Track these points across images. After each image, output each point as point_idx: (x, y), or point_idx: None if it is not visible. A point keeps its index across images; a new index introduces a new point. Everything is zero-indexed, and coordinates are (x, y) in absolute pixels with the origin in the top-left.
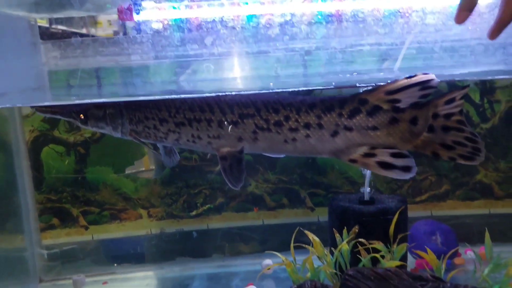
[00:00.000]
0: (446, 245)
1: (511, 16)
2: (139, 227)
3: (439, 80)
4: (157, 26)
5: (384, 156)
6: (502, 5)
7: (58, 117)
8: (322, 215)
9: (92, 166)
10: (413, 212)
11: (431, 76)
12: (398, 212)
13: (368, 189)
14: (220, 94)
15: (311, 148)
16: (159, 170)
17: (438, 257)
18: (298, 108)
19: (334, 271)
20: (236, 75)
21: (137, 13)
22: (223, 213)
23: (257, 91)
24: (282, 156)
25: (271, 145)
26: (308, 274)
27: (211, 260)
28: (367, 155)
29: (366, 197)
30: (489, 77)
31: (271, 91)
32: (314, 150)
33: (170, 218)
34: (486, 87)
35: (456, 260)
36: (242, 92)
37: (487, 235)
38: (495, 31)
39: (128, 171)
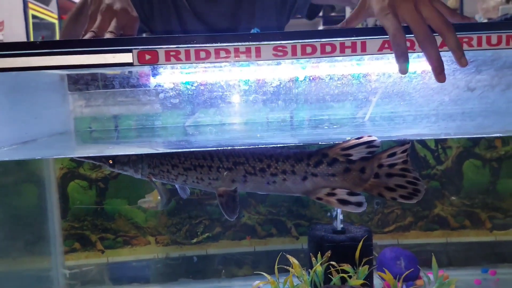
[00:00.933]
0: (408, 268)
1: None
2: (148, 252)
3: (380, 141)
4: (168, 85)
5: (342, 195)
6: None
7: (91, 161)
8: (305, 243)
9: (110, 199)
10: (382, 240)
11: (374, 138)
12: (362, 240)
13: (340, 220)
14: (219, 148)
15: (287, 188)
16: (166, 202)
17: (403, 279)
18: (277, 159)
19: None
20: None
21: (154, 77)
22: (220, 240)
23: (246, 146)
24: (266, 194)
25: (257, 186)
26: None
27: (209, 281)
28: (329, 194)
29: (338, 228)
30: (417, 138)
31: (257, 146)
32: (289, 190)
33: (174, 245)
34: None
35: (417, 282)
36: (236, 147)
37: (433, 259)
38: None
39: (140, 203)
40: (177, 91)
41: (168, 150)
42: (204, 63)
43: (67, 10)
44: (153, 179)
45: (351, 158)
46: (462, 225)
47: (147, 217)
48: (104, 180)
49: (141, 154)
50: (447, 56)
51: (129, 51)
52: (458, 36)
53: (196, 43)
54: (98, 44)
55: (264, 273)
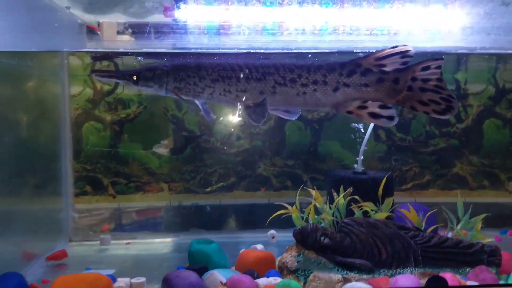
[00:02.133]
0: (427, 223)
1: None
2: (160, 199)
3: (414, 51)
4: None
5: (373, 108)
6: None
7: (114, 79)
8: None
9: (124, 142)
10: (400, 198)
11: (409, 47)
12: (385, 177)
13: (361, 159)
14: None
15: (317, 100)
16: (180, 149)
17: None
18: (308, 68)
19: (332, 218)
20: None
21: (178, 8)
22: (234, 191)
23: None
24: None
25: (286, 98)
26: (310, 221)
27: (221, 232)
28: (360, 107)
29: (359, 169)
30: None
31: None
32: (319, 102)
33: (187, 193)
34: (460, 93)
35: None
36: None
37: (459, 197)
38: None
39: (155, 148)
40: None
41: (197, 51)
42: None
43: None
44: (179, 95)
45: (384, 69)
46: (481, 185)
47: (161, 163)
48: (119, 122)
49: (166, 68)
50: None
51: None
52: None
53: None
54: None
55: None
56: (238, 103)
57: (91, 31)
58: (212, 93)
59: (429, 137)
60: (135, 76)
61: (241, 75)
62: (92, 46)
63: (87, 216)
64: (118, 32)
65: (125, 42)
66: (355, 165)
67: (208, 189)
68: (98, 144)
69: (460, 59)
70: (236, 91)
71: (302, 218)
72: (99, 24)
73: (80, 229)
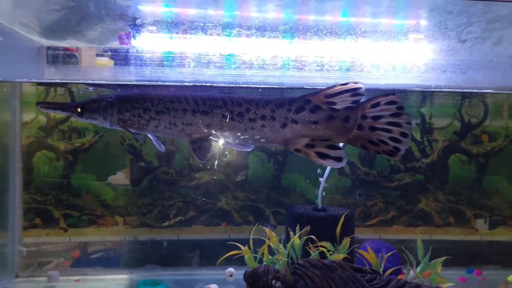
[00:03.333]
0: (390, 262)
1: None
2: (115, 233)
3: (365, 88)
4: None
5: (321, 147)
6: None
7: (59, 111)
8: (284, 233)
9: (78, 173)
10: (364, 234)
11: (360, 84)
12: (343, 216)
13: (322, 194)
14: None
15: (265, 136)
16: (138, 181)
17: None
18: (256, 103)
19: (287, 259)
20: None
21: (134, 39)
22: (193, 225)
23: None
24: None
25: (233, 132)
26: (264, 262)
27: (178, 269)
28: (308, 145)
29: (319, 205)
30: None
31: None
32: (267, 138)
33: (143, 227)
34: (426, 127)
35: (399, 277)
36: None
37: (418, 237)
38: None
39: (110, 180)
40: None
41: (141, 83)
42: None
43: None
44: (124, 126)
45: (334, 106)
46: (447, 222)
47: (116, 195)
48: (73, 152)
49: (111, 99)
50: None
51: None
52: None
53: None
54: None
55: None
56: (184, 137)
57: (69, 55)
58: (157, 126)
59: (394, 172)
60: (79, 108)
61: (187, 108)
62: (62, 72)
63: (35, 251)
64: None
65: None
66: (316, 201)
67: (166, 223)
68: (50, 175)
69: (425, 92)
70: (182, 124)
71: (256, 258)
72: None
73: (28, 264)
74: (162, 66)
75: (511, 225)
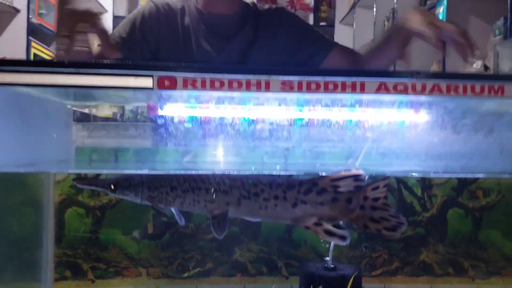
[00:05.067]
0: None
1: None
2: (138, 284)
3: (366, 175)
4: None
5: (328, 226)
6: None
7: (93, 188)
8: (295, 283)
9: (105, 228)
10: (370, 284)
11: (361, 171)
12: (352, 277)
13: (331, 258)
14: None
15: (278, 214)
16: (160, 235)
17: None
18: (270, 184)
19: None
20: (231, 160)
21: (161, 109)
22: (211, 276)
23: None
24: (258, 220)
25: (249, 210)
26: None
27: None
28: (316, 224)
29: (329, 265)
30: (408, 175)
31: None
32: (280, 216)
33: (165, 278)
34: (426, 184)
35: None
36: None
37: None
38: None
39: (134, 234)
40: (179, 127)
41: (166, 172)
42: (217, 91)
43: None
44: (153, 202)
45: (339, 189)
46: (446, 272)
47: (140, 249)
48: (101, 208)
49: (141, 177)
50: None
51: (150, 76)
52: (448, 83)
53: (211, 73)
54: (121, 67)
55: None
56: (207, 212)
57: None
58: (182, 203)
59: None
60: (112, 185)
61: (210, 187)
62: None
63: None
64: None
65: None
66: (326, 258)
67: (185, 275)
68: (80, 230)
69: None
70: (205, 201)
71: None
72: None
73: None
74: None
75: (505, 275)
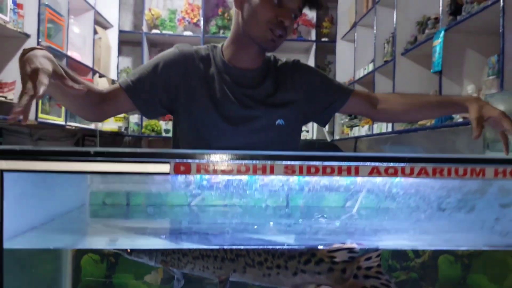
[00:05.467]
0: None
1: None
2: None
3: (359, 248)
4: None
5: None
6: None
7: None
8: None
9: (118, 273)
10: None
11: (354, 245)
12: None
13: None
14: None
15: (280, 281)
16: (169, 280)
17: None
18: (273, 254)
19: None
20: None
21: None
22: None
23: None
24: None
25: (254, 276)
26: None
27: None
28: None
29: None
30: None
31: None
32: (281, 283)
33: None
34: None
35: None
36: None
37: None
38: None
39: (146, 279)
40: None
41: (178, 246)
42: (227, 175)
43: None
44: (166, 266)
45: (334, 260)
46: None
47: None
48: (115, 255)
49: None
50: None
51: (167, 162)
52: (434, 166)
53: (221, 159)
54: (141, 155)
55: None
56: (215, 278)
57: None
58: (193, 268)
59: (391, 270)
60: (129, 249)
61: (218, 255)
62: None
63: None
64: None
65: None
66: None
67: None
68: (95, 275)
69: None
70: (214, 268)
71: None
72: None
73: None
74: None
75: None
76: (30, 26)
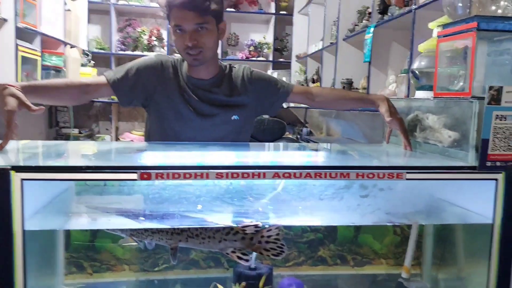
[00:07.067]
0: None
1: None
2: (123, 276)
3: (262, 225)
4: None
5: (239, 253)
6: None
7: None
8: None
9: (100, 238)
10: (284, 272)
11: (258, 223)
12: (265, 275)
13: (253, 260)
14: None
15: (210, 246)
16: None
17: None
18: (205, 229)
19: None
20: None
21: None
22: (174, 269)
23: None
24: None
25: (193, 244)
26: None
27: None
28: (232, 252)
29: (252, 266)
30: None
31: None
32: (211, 247)
33: (142, 271)
34: None
35: None
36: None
37: None
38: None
39: (120, 242)
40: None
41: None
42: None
43: (48, 47)
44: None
45: (246, 232)
46: (336, 263)
47: (124, 252)
48: None
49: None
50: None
51: (135, 172)
52: (316, 172)
53: (178, 169)
54: (117, 168)
55: None
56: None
57: None
58: (152, 239)
59: (304, 231)
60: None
61: (169, 230)
62: None
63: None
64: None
65: None
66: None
67: (156, 269)
68: (81, 239)
69: None
70: (166, 239)
71: None
72: None
73: None
74: None
75: (374, 263)
76: (6, 11)
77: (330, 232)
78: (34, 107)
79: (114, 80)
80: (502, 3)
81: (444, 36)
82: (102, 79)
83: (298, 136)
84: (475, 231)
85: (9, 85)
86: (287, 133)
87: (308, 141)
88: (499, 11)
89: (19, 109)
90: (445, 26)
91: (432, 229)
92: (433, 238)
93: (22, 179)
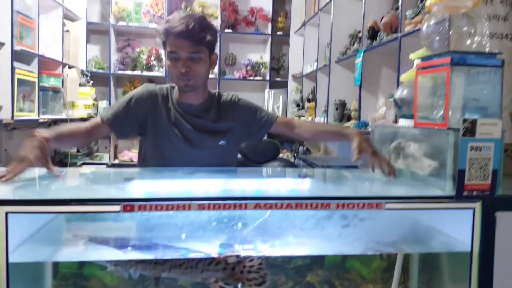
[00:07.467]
0: None
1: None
2: None
3: (242, 256)
4: None
5: (221, 283)
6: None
7: None
8: None
9: (87, 265)
10: None
11: (239, 253)
12: None
13: None
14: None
15: (193, 277)
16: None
17: None
18: (188, 260)
19: None
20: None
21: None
22: None
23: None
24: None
25: (176, 273)
26: None
27: None
28: (215, 282)
29: None
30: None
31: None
32: (194, 277)
33: None
34: None
35: None
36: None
37: None
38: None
39: (108, 269)
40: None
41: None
42: (160, 211)
43: (47, 68)
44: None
45: (228, 262)
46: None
47: (112, 279)
48: None
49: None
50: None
51: (118, 204)
52: (297, 202)
53: (161, 201)
54: (101, 200)
55: None
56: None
57: None
58: (136, 269)
59: (291, 259)
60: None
61: (153, 261)
62: None
63: None
64: None
65: None
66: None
67: None
68: (70, 267)
69: None
70: (149, 269)
71: None
72: None
73: None
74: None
75: None
76: (3, 34)
77: (317, 258)
78: (53, 168)
79: (108, 118)
80: (476, 38)
81: (422, 69)
82: (98, 120)
83: (295, 155)
84: (458, 256)
85: (40, 134)
86: (284, 150)
87: (304, 160)
88: (474, 45)
89: (38, 165)
90: (423, 59)
91: (418, 254)
92: (418, 263)
93: (7, 212)
